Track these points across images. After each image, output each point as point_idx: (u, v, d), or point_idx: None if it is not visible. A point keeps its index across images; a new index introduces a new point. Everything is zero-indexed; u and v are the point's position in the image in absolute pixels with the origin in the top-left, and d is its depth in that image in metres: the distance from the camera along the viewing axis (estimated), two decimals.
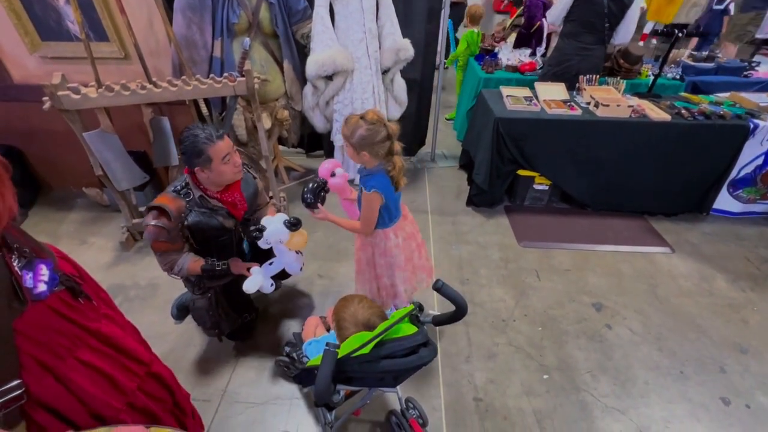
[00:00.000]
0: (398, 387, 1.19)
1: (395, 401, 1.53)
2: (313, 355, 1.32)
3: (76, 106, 1.90)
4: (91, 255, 2.36)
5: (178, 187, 1.43)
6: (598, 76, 2.79)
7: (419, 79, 2.96)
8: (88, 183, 2.60)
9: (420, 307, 1.06)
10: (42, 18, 2.17)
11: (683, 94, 2.86)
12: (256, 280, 1.45)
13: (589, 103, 2.62)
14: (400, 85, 2.77)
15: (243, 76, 2.05)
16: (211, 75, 2.09)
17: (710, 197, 2.67)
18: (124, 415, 0.86)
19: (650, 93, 2.90)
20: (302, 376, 1.13)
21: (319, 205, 1.43)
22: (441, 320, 1.06)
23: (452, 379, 1.72)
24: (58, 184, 2.86)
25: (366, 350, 0.89)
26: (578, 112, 2.52)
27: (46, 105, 1.86)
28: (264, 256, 1.58)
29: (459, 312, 1.02)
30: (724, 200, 2.70)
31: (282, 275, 1.61)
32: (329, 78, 2.55)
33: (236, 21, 2.20)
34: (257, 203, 1.69)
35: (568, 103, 2.59)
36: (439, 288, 1.01)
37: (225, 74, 2.08)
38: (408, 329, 0.99)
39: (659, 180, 2.62)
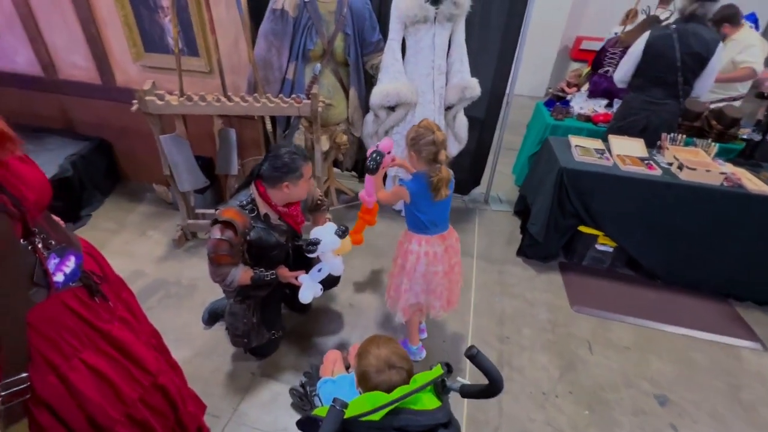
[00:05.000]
0: None
1: None
2: (325, 397, 1.23)
3: (159, 111, 2.07)
4: (147, 247, 2.51)
5: (244, 202, 1.49)
6: (684, 136, 2.52)
7: (483, 117, 2.89)
8: (158, 180, 2.81)
9: (449, 370, 0.93)
10: (149, 32, 2.45)
11: None
12: (310, 287, 1.55)
13: (671, 164, 2.35)
14: (462, 123, 2.72)
15: (309, 98, 2.12)
16: (281, 95, 2.19)
17: None
18: (120, 427, 0.82)
19: (748, 160, 2.55)
20: (306, 424, 1.04)
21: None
22: (470, 392, 0.92)
23: None
24: (134, 177, 3.14)
25: (377, 417, 0.78)
26: (657, 172, 2.27)
27: (134, 107, 2.05)
28: (304, 264, 1.64)
29: (493, 388, 0.88)
30: None
31: (325, 287, 1.68)
32: (392, 109, 2.57)
33: (312, 48, 2.31)
34: (308, 207, 1.81)
35: (646, 162, 2.35)
36: (473, 356, 0.88)
37: (293, 95, 2.17)
38: (429, 402, 0.86)
39: (752, 260, 2.24)
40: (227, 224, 1.41)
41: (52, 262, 0.73)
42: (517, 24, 2.51)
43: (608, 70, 3.28)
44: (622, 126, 2.69)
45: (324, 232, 1.51)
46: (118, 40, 2.50)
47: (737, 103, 3.12)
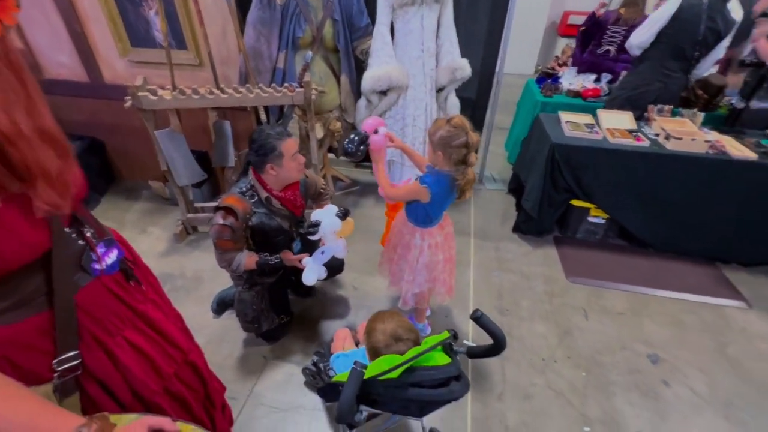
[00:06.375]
0: (423, 417, 1.13)
1: (418, 429, 1.45)
2: (339, 370, 1.30)
3: (152, 106, 2.07)
4: (148, 243, 2.54)
5: (244, 189, 1.52)
6: (671, 107, 2.58)
7: (474, 98, 2.92)
8: (153, 176, 2.82)
9: (455, 336, 1.00)
10: (134, 26, 2.42)
11: None
12: (313, 270, 1.55)
13: (658, 135, 2.42)
14: (454, 104, 2.74)
15: (302, 86, 2.13)
16: (273, 84, 2.20)
17: None
18: (159, 398, 0.89)
19: (733, 128, 2.62)
20: (326, 391, 1.11)
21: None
22: (476, 353, 0.99)
23: (482, 415, 1.61)
24: (129, 175, 3.13)
25: (394, 375, 0.85)
26: (645, 143, 2.34)
27: (128, 104, 2.05)
28: (311, 249, 1.65)
29: (497, 346, 0.95)
30: None
31: (330, 273, 1.70)
32: (383, 93, 2.58)
33: (301, 35, 2.30)
34: (310, 195, 1.81)
35: (634, 134, 2.41)
36: (478, 318, 0.95)
37: (285, 84, 2.18)
38: (441, 359, 0.93)
39: (737, 224, 2.34)
40: (228, 210, 1.44)
41: (100, 251, 0.79)
42: (504, 2, 2.52)
43: (608, 50, 3.20)
44: (632, 96, 2.65)
45: (324, 214, 1.52)
46: (103, 36, 2.47)
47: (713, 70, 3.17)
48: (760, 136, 2.50)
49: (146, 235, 2.63)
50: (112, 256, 0.82)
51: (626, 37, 2.92)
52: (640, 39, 2.55)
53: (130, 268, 0.89)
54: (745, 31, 2.56)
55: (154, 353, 0.89)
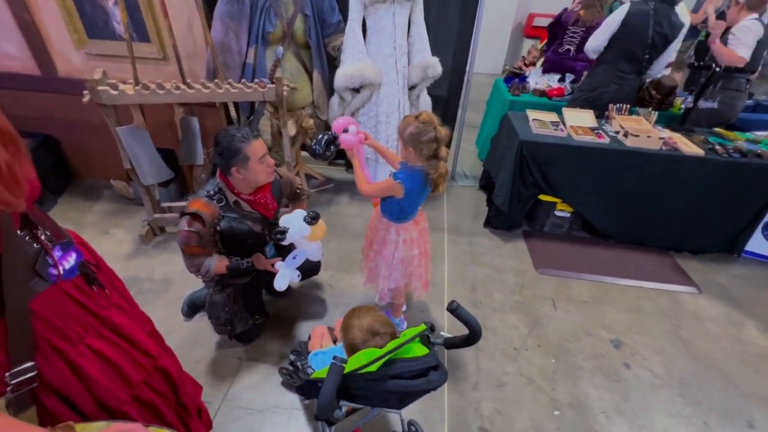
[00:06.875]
0: (402, 410, 1.15)
1: (397, 422, 1.48)
2: (318, 367, 1.29)
3: (113, 102, 1.97)
4: (111, 245, 2.42)
5: (211, 192, 1.46)
6: (628, 106, 2.74)
7: (445, 96, 2.97)
8: (116, 176, 2.68)
9: (431, 328, 1.02)
10: (91, 17, 2.29)
11: (718, 129, 2.77)
12: (285, 275, 1.50)
13: (617, 132, 2.56)
14: (426, 102, 2.78)
15: (273, 83, 2.10)
16: (243, 80, 2.15)
17: (742, 239, 2.55)
18: (128, 407, 0.85)
19: (683, 126, 2.82)
20: (305, 388, 1.11)
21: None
22: (453, 343, 1.02)
23: (458, 405, 1.65)
24: (88, 174, 2.96)
25: (374, 368, 0.86)
26: (606, 140, 2.47)
27: (86, 98, 1.94)
28: (285, 252, 1.61)
29: (473, 336, 0.98)
30: (758, 243, 2.57)
31: (304, 275, 1.66)
32: (356, 90, 2.58)
33: (271, 30, 2.26)
34: (286, 195, 1.76)
35: (596, 131, 2.54)
36: (454, 309, 0.98)
37: (256, 80, 2.13)
38: (419, 350, 0.95)
39: (688, 216, 2.52)
40: (195, 216, 1.38)
41: (57, 255, 0.74)
42: (473, 2, 2.58)
43: (569, 49, 3.39)
44: (590, 98, 2.83)
45: (293, 220, 1.45)
46: (57, 27, 2.32)
47: (667, 71, 3.40)
48: (707, 133, 2.70)
49: (108, 236, 2.50)
50: (70, 260, 0.77)
51: (584, 37, 3.12)
52: (594, 43, 2.73)
53: (92, 272, 0.84)
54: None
55: (120, 361, 0.84)
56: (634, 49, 2.61)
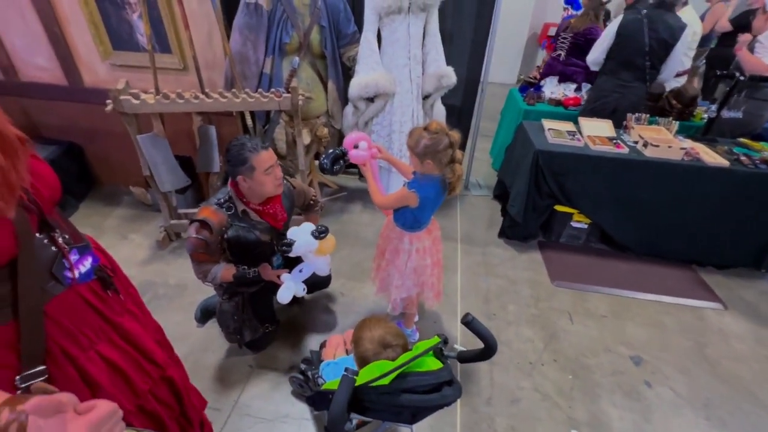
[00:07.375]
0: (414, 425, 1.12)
1: None
2: (329, 378, 1.28)
3: (135, 110, 2.03)
4: (129, 250, 2.47)
5: (222, 200, 1.47)
6: (647, 115, 2.68)
7: (460, 105, 2.97)
8: (135, 182, 2.75)
9: (445, 340, 1.00)
10: (116, 29, 2.37)
11: (743, 140, 2.68)
12: (290, 288, 1.48)
13: (636, 142, 2.50)
14: (440, 111, 2.78)
15: (289, 92, 2.13)
16: (259, 89, 2.19)
17: None
18: (133, 417, 0.84)
19: (706, 136, 2.74)
20: (315, 399, 1.09)
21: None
22: (467, 357, 0.99)
23: (471, 420, 1.61)
24: (109, 180, 3.04)
25: (386, 381, 0.84)
26: (625, 150, 2.41)
27: (109, 107, 2.00)
28: (294, 264, 1.60)
29: (488, 350, 0.95)
30: None
31: (311, 288, 1.64)
32: (370, 100, 2.60)
33: (288, 41, 2.30)
34: (298, 206, 1.76)
35: (614, 141, 2.49)
36: (469, 322, 0.96)
37: (272, 90, 2.17)
38: (432, 364, 0.93)
39: (712, 229, 2.43)
40: (203, 223, 1.40)
41: (73, 258, 0.74)
42: (488, 12, 2.58)
43: (560, 54, 3.43)
44: (594, 108, 2.84)
45: (300, 233, 1.43)
46: (84, 39, 2.41)
47: (679, 80, 3.32)
48: (732, 144, 2.61)
49: (127, 241, 2.56)
50: (86, 264, 0.77)
51: (572, 42, 3.23)
52: (593, 56, 2.79)
53: (109, 276, 0.84)
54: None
55: (129, 369, 0.84)
56: (632, 58, 2.61)
